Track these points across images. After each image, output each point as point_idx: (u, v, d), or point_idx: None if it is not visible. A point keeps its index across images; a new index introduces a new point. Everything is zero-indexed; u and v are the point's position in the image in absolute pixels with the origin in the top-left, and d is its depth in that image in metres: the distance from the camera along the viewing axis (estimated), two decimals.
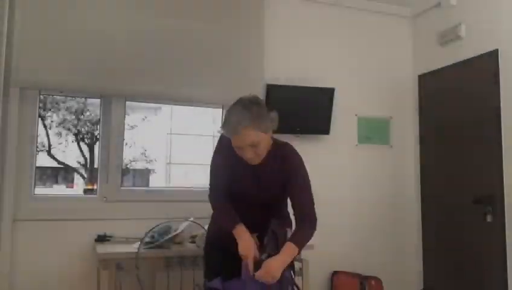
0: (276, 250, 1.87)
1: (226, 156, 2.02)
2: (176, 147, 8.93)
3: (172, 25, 3.12)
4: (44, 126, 7.49)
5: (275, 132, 1.98)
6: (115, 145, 3.11)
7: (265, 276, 1.79)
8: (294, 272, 2.06)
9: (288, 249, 1.86)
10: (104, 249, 2.65)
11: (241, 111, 1.83)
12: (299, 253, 1.92)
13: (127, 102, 3.17)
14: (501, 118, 3.02)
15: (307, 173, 2.04)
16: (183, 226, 2.79)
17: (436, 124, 3.65)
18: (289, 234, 1.95)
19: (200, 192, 2.85)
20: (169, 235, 2.69)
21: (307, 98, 3.43)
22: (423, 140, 3.79)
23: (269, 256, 1.86)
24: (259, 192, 2.02)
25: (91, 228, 2.90)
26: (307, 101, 3.43)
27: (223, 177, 2.06)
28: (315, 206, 2.06)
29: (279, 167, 1.99)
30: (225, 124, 1.86)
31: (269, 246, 1.90)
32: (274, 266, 1.80)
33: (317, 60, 3.60)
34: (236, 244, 1.93)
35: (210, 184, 2.10)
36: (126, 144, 3.31)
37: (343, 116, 3.63)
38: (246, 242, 1.91)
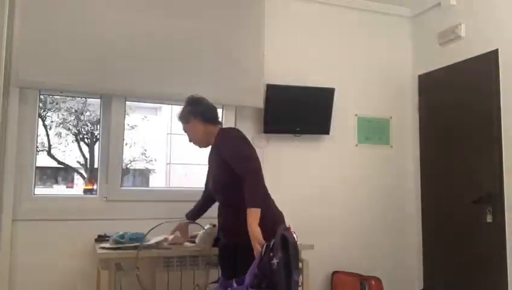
0: (284, 258, 1.87)
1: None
2: (175, 147, 8.93)
3: (172, 25, 3.11)
4: (45, 126, 7.48)
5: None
6: (115, 145, 3.11)
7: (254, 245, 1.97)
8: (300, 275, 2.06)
9: (249, 215, 2.02)
10: (104, 249, 2.65)
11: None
12: (259, 207, 2.04)
13: (127, 102, 3.17)
14: (501, 118, 3.03)
15: (235, 140, 2.28)
16: (155, 239, 2.71)
17: (436, 124, 3.65)
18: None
19: (200, 192, 2.85)
20: (140, 243, 2.55)
21: (307, 98, 3.43)
22: (423, 140, 3.79)
23: (279, 262, 1.85)
24: (209, 180, 2.53)
25: (91, 228, 2.90)
26: (307, 101, 3.42)
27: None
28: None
29: (212, 147, 2.43)
30: None
31: (278, 253, 1.88)
32: (251, 235, 1.99)
33: (317, 60, 3.60)
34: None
35: None
36: (126, 144, 3.31)
37: (343, 116, 3.63)
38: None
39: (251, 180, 2.09)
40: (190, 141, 2.52)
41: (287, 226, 2.09)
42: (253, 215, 2.01)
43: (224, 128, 2.52)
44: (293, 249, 1.88)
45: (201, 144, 2.49)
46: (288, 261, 1.87)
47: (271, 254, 1.88)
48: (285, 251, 1.88)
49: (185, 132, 2.51)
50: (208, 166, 2.57)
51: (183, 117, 2.49)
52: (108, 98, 3.10)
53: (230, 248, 2.30)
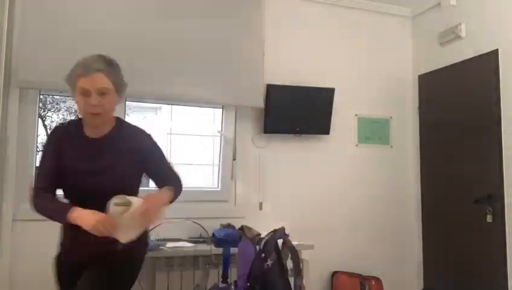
0: (278, 259, 1.87)
1: (54, 142, 1.87)
2: (176, 147, 8.93)
3: (172, 25, 3.11)
4: (44, 126, 7.48)
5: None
6: None
7: (146, 213, 1.71)
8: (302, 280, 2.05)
9: (167, 193, 1.82)
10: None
11: (98, 56, 1.81)
12: (170, 203, 1.84)
13: (127, 102, 3.17)
14: (501, 118, 3.03)
15: (159, 145, 1.97)
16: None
17: (436, 124, 3.65)
18: None
19: (200, 192, 2.86)
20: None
21: (307, 98, 3.43)
22: (423, 140, 3.79)
23: (273, 263, 1.85)
24: (97, 174, 1.79)
25: None
26: (307, 101, 3.42)
27: (47, 169, 1.85)
28: None
29: (132, 145, 1.86)
30: (76, 65, 1.83)
31: (272, 254, 1.88)
32: (154, 204, 1.73)
33: (317, 60, 3.60)
34: (81, 252, 1.82)
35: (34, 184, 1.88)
36: None
37: (343, 116, 3.63)
38: (89, 214, 1.65)
39: (180, 186, 1.92)
40: (97, 111, 1.76)
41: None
42: (168, 198, 1.83)
43: (138, 126, 1.97)
44: (296, 256, 1.90)
45: (103, 122, 1.84)
46: (281, 262, 1.88)
47: (263, 254, 1.88)
48: (278, 253, 1.90)
49: (99, 91, 1.75)
50: (88, 156, 1.83)
51: (119, 83, 1.84)
52: None
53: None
